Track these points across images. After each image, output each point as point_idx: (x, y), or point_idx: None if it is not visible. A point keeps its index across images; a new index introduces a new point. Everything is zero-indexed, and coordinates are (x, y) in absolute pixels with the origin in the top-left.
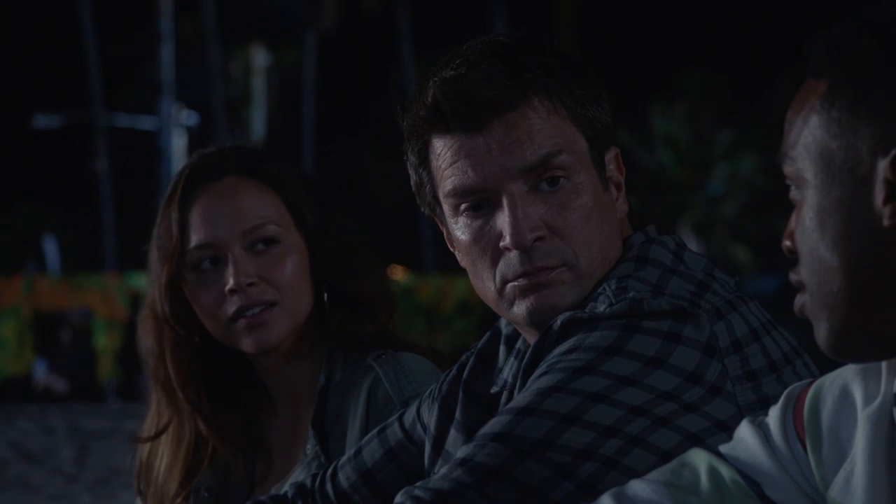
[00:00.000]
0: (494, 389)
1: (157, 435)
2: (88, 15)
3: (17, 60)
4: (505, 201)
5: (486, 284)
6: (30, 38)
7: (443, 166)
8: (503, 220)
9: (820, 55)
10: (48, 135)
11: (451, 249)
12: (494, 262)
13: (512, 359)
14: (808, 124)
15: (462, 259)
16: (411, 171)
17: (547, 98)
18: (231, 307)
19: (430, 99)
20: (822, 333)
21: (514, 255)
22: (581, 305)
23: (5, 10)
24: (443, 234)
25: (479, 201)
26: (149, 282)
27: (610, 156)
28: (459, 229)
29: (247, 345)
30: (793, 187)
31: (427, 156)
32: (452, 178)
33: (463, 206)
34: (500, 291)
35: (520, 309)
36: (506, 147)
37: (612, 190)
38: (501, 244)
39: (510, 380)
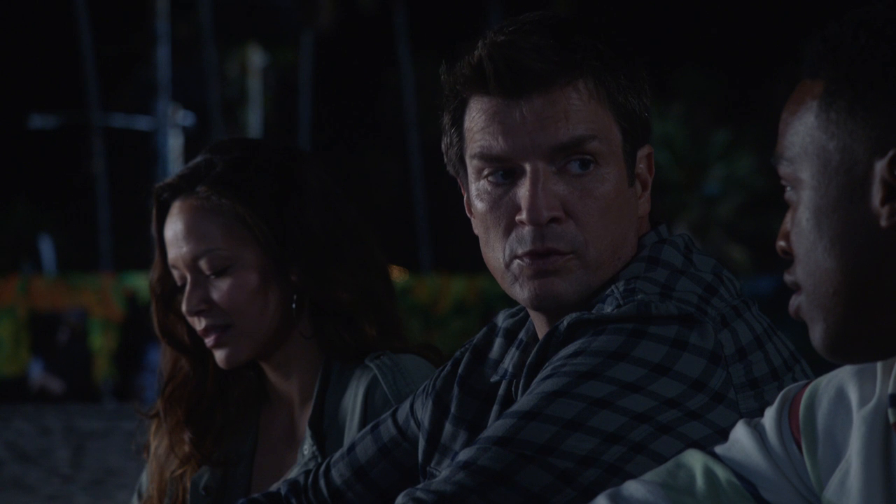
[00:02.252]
0: (494, 378)
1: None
2: (85, 16)
3: (14, 61)
4: (528, 175)
5: (495, 255)
6: (26, 38)
7: (475, 128)
8: (523, 194)
9: (816, 55)
10: (44, 135)
11: (469, 216)
12: (507, 234)
13: (514, 349)
14: (804, 125)
15: (476, 226)
16: (444, 132)
17: (592, 81)
18: (197, 326)
19: (475, 59)
20: (817, 334)
21: (527, 230)
22: (588, 302)
23: (1, 12)
24: (463, 198)
25: (504, 170)
26: None
27: (642, 153)
28: (479, 195)
29: (217, 360)
30: (788, 188)
31: (462, 116)
32: (482, 141)
33: (486, 171)
34: (507, 265)
35: (522, 292)
36: (540, 121)
37: (637, 187)
38: (517, 217)
39: (511, 370)
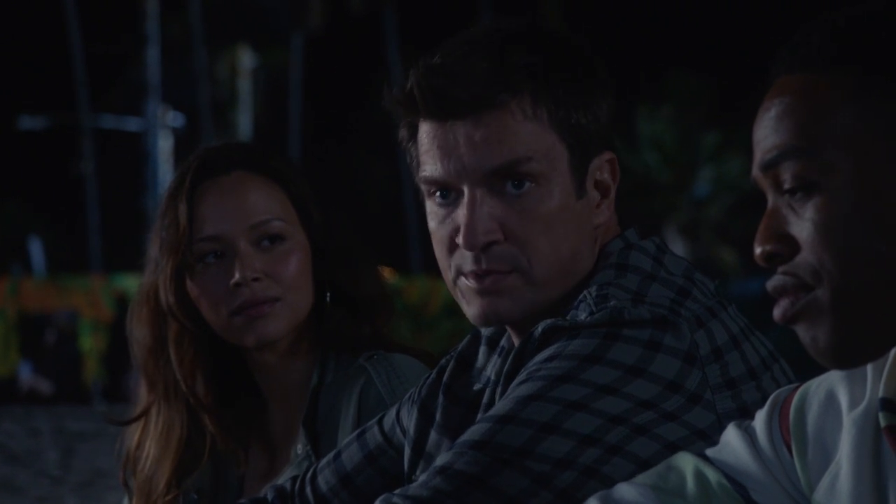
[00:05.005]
0: (477, 387)
1: (138, 417)
2: (74, 16)
3: (3, 62)
4: (465, 199)
5: (445, 272)
6: (15, 39)
7: (421, 150)
8: (461, 217)
9: (835, 49)
10: (34, 136)
11: None
12: (451, 252)
13: (496, 356)
14: (827, 115)
15: (433, 240)
16: (405, 149)
17: (528, 101)
18: (235, 301)
19: (407, 87)
20: (831, 334)
21: (467, 252)
22: (554, 312)
23: None
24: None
25: (446, 191)
26: (148, 272)
27: (600, 161)
28: (429, 213)
29: (247, 339)
30: (789, 187)
31: (414, 135)
32: (425, 164)
33: (432, 191)
34: (455, 282)
35: (470, 310)
36: (473, 146)
37: (591, 196)
38: (456, 239)
39: (493, 377)
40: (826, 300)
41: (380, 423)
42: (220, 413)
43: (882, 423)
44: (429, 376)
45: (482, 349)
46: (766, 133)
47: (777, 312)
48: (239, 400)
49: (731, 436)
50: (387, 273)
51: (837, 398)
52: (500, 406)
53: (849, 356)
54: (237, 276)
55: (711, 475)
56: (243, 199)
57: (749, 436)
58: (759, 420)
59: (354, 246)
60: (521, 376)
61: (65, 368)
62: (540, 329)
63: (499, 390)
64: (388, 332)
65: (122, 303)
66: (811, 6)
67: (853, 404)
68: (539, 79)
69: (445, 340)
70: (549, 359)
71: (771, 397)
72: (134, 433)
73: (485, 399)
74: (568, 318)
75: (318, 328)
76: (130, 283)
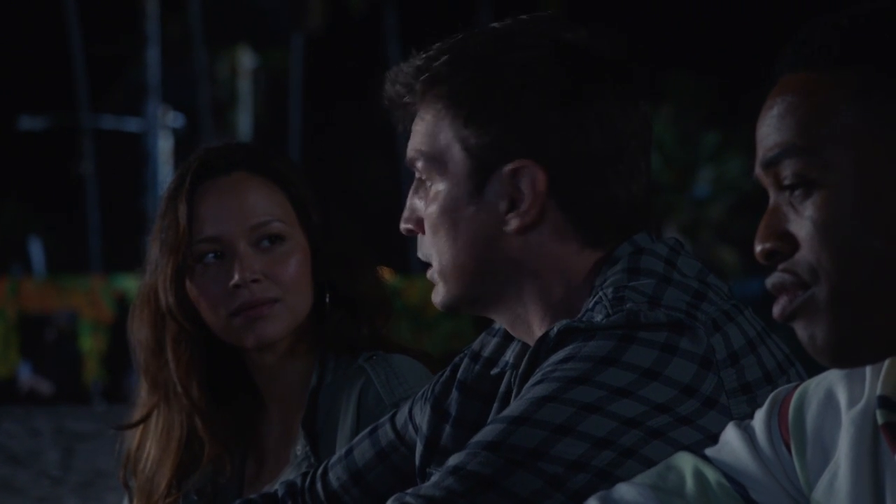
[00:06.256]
0: (495, 371)
1: (140, 422)
2: (74, 16)
3: (3, 62)
4: None
5: None
6: (15, 39)
7: None
8: None
9: (837, 48)
10: (34, 137)
11: None
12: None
13: (515, 343)
14: (830, 114)
15: None
16: None
17: (436, 105)
18: (234, 302)
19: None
20: (828, 332)
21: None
22: (571, 314)
23: None
24: None
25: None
26: (148, 272)
27: (506, 170)
28: None
29: (246, 340)
30: (789, 185)
31: None
32: None
33: None
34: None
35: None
36: (409, 139)
37: (493, 202)
38: None
39: (512, 360)
40: (823, 298)
41: (392, 420)
42: (212, 417)
43: (880, 420)
44: (442, 374)
45: (495, 340)
46: (769, 131)
47: (776, 310)
48: (237, 401)
49: (731, 435)
50: (386, 273)
51: (836, 397)
52: (515, 407)
53: (846, 354)
54: (236, 277)
55: (711, 475)
56: (243, 200)
57: (748, 435)
58: (759, 419)
59: (354, 247)
60: (536, 377)
61: (65, 368)
62: (555, 330)
63: (516, 379)
64: (388, 332)
65: (122, 303)
66: (812, 6)
67: (852, 403)
68: (443, 85)
69: (445, 341)
70: (565, 360)
71: (770, 396)
72: (134, 433)
73: (501, 388)
74: (584, 319)
75: (317, 329)
76: (130, 284)
